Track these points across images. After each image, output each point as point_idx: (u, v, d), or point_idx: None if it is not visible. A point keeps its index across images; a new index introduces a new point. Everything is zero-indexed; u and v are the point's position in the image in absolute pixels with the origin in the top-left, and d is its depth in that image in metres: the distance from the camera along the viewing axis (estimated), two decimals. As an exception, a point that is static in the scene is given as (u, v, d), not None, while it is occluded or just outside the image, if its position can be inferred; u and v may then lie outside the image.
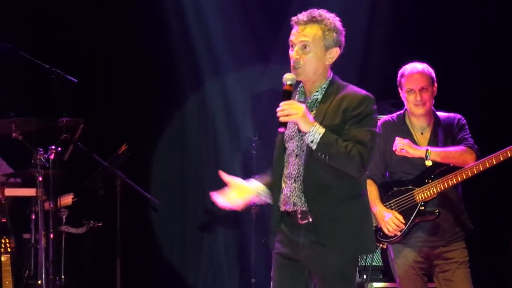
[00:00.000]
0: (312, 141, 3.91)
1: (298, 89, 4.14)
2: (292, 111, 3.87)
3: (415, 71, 5.24)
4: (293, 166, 4.06)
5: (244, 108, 7.76)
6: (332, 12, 4.09)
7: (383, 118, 5.42)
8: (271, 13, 7.45)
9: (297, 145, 4.06)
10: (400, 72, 5.32)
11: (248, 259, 7.27)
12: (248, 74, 7.71)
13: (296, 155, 4.05)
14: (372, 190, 5.19)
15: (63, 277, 6.40)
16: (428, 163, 5.15)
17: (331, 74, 4.11)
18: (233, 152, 7.79)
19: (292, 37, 4.05)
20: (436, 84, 5.30)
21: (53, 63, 6.02)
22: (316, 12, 4.04)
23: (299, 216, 4.02)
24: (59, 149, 6.01)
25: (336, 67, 4.11)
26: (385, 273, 6.09)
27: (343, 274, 3.99)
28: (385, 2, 7.32)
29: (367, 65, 7.26)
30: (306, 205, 3.99)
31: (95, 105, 7.49)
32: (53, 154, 5.92)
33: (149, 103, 7.77)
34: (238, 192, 4.09)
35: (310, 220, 3.98)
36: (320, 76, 4.07)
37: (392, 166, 5.31)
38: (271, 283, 4.12)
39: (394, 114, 5.42)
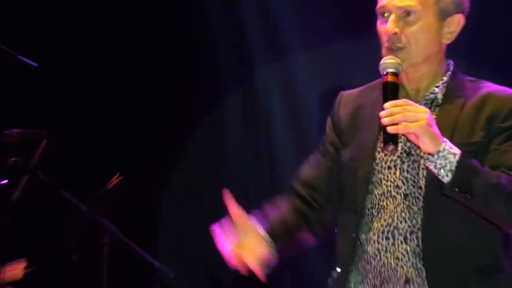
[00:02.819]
0: (442, 169, 2.96)
1: None
2: (409, 117, 2.88)
3: None
4: (396, 214, 3.12)
5: (311, 108, 6.23)
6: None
7: None
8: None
9: (403, 179, 3.19)
10: None
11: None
12: (319, 59, 6.13)
13: (404, 196, 3.17)
14: None
15: None
16: None
17: (451, 62, 3.23)
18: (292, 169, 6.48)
19: (383, 2, 3.23)
20: None
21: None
22: None
23: None
24: (4, 182, 4.85)
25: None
26: None
27: None
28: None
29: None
30: (424, 279, 3.04)
31: (68, 109, 6.06)
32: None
33: (164, 104, 6.27)
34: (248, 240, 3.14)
35: None
36: (434, 63, 3.16)
37: None
38: None
39: None
